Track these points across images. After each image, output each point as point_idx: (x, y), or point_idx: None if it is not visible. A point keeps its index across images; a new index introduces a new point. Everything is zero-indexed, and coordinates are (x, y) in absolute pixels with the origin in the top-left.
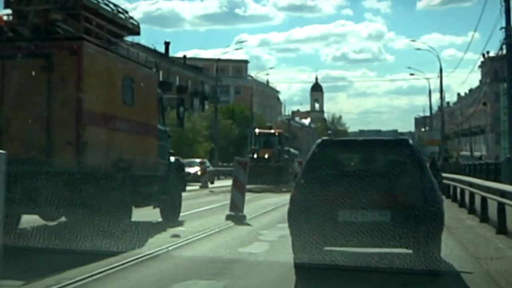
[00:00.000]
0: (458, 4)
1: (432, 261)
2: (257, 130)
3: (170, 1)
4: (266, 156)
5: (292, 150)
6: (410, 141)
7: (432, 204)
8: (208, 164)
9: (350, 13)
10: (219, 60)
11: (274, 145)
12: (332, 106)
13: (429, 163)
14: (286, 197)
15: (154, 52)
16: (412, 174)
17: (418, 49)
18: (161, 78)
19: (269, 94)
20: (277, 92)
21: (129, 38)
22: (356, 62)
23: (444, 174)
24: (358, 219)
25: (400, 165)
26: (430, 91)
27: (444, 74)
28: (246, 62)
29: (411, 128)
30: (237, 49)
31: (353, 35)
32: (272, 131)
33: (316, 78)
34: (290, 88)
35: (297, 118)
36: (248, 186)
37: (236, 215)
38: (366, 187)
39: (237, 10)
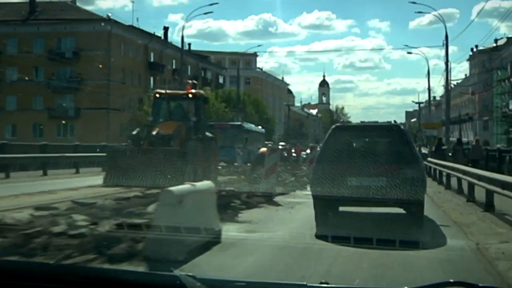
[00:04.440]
0: (442, 24)
1: (418, 217)
2: (159, 91)
3: (218, 20)
4: (163, 132)
5: (254, 126)
6: (402, 126)
7: (416, 173)
8: None
9: (357, 31)
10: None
11: (186, 115)
12: (341, 102)
13: (435, 144)
14: None
15: (149, 35)
16: (402, 151)
17: (410, 52)
18: (152, 59)
19: (280, 86)
20: (287, 84)
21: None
22: (361, 69)
23: (473, 170)
24: (362, 183)
25: (393, 144)
26: (428, 69)
27: (426, 79)
28: (255, 55)
29: (402, 120)
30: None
31: (359, 48)
32: (182, 92)
33: (324, 76)
34: (309, 89)
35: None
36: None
37: None
38: (369, 160)
39: (270, 28)
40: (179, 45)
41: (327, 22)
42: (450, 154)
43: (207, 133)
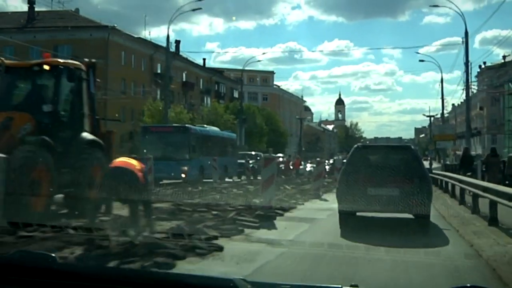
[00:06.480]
0: (449, 51)
1: (424, 221)
2: None
3: (250, 48)
4: None
5: (215, 130)
6: (412, 147)
7: (424, 185)
8: None
9: (372, 57)
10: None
11: (40, 101)
12: (357, 120)
13: (461, 156)
14: None
15: (155, 46)
16: (413, 166)
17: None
18: (159, 70)
19: (297, 103)
20: (304, 101)
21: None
22: (375, 91)
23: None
24: (380, 193)
25: (405, 161)
26: (442, 78)
27: (433, 100)
28: (272, 72)
29: (412, 135)
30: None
31: (374, 73)
32: (32, 62)
33: (339, 95)
34: (329, 108)
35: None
36: None
37: None
38: (385, 173)
39: (295, 55)
40: (213, 68)
41: (345, 50)
42: (483, 169)
43: (83, 134)
